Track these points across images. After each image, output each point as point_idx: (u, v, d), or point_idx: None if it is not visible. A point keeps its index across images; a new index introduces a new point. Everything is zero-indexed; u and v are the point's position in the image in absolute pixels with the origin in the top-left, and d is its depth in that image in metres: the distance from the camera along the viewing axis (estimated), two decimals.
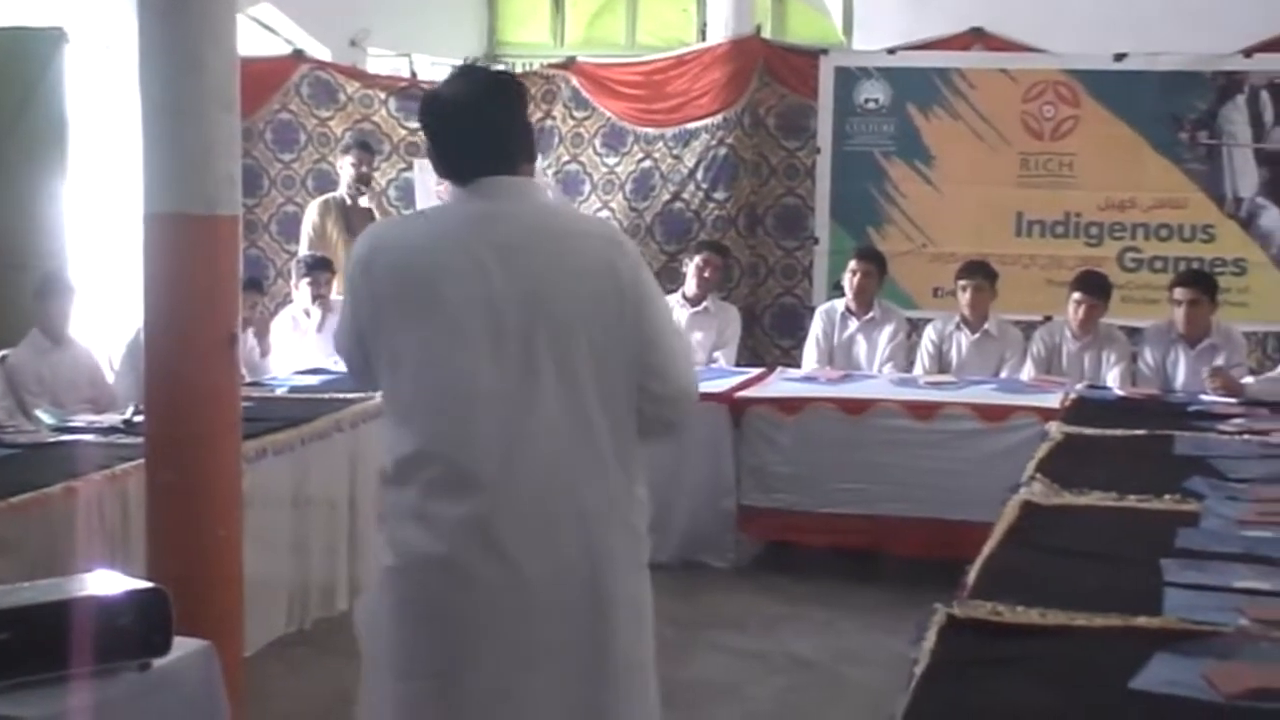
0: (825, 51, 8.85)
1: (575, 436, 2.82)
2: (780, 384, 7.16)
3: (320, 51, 9.70)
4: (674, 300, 7.76)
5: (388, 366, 2.86)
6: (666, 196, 8.73)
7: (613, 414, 2.85)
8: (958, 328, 7.57)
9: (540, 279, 2.82)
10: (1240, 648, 3.14)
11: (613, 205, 8.78)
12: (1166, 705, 2.83)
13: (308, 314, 7.72)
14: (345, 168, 8.55)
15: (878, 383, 7.16)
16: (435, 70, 10.71)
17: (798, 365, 7.79)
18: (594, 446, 2.83)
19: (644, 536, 2.95)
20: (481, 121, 2.89)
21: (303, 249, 8.33)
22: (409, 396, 2.84)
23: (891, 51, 8.69)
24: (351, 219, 8.44)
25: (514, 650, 2.80)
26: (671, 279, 7.96)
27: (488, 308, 2.78)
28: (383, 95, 9.22)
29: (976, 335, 7.52)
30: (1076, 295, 7.31)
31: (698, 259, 7.89)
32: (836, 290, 8.03)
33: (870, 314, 7.67)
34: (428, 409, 2.81)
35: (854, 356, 7.68)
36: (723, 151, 8.63)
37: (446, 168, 2.93)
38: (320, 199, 8.58)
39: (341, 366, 7.17)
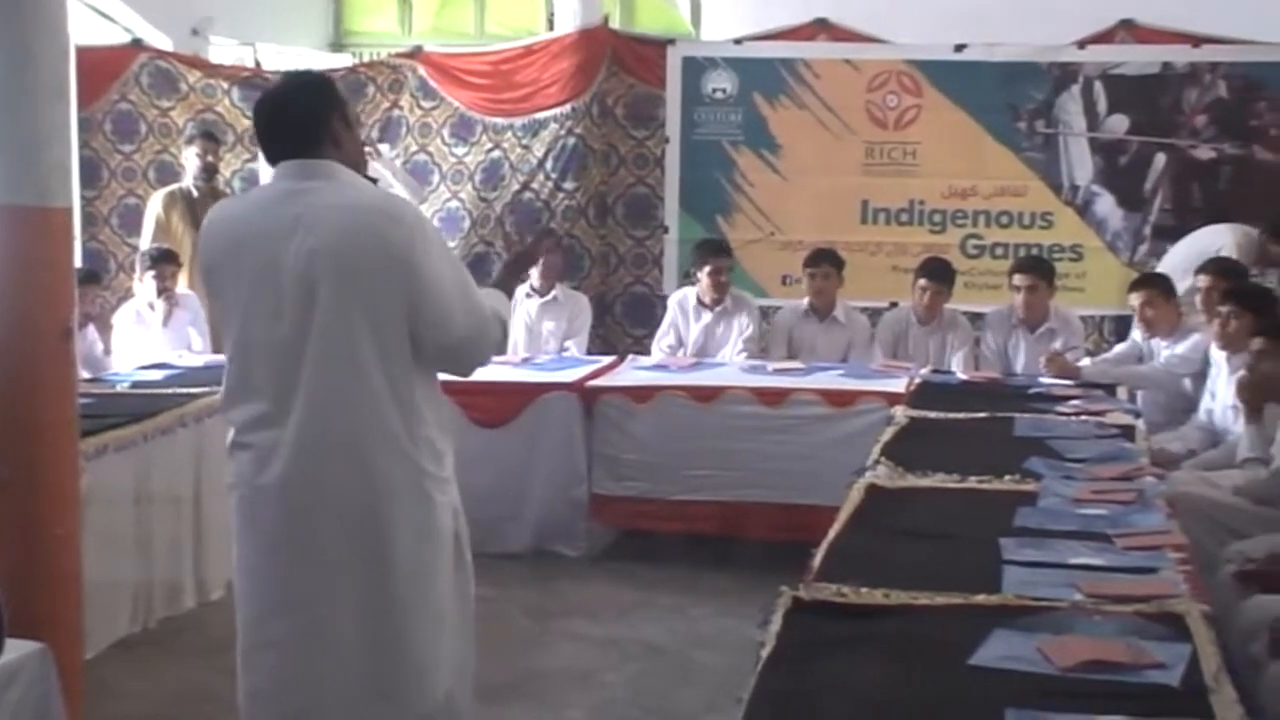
0: (672, 41, 8.88)
1: (352, 380, 3.25)
2: (631, 372, 7.18)
3: (161, 40, 9.50)
4: (522, 292, 7.77)
5: (222, 322, 3.41)
6: (516, 186, 8.70)
7: (389, 362, 3.27)
8: (806, 315, 7.66)
9: (325, 243, 3.23)
10: (1074, 621, 3.23)
11: (462, 195, 8.73)
12: (1003, 679, 2.91)
13: (152, 307, 7.56)
14: (190, 158, 8.39)
15: (728, 370, 7.21)
16: (281, 59, 10.55)
17: (649, 354, 7.80)
18: (370, 389, 3.25)
19: (429, 472, 3.34)
20: (283, 114, 3.39)
21: (145, 241, 8.15)
22: (229, 347, 3.37)
23: (738, 42, 8.75)
24: (198, 210, 8.28)
25: (304, 562, 3.28)
26: None
27: (280, 270, 3.23)
28: (226, 85, 9.07)
29: (824, 322, 7.61)
30: (921, 282, 7.44)
31: None
32: (688, 279, 8.06)
33: (723, 305, 7.71)
34: (236, 357, 3.34)
35: (707, 346, 7.71)
36: (572, 141, 8.63)
37: (263, 153, 3.45)
38: (165, 190, 8.41)
39: (183, 361, 7.11)
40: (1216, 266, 6.79)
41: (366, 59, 10.51)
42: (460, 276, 3.39)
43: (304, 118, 3.36)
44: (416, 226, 3.31)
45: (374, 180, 3.60)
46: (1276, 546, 4.59)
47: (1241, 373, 5.55)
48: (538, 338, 7.73)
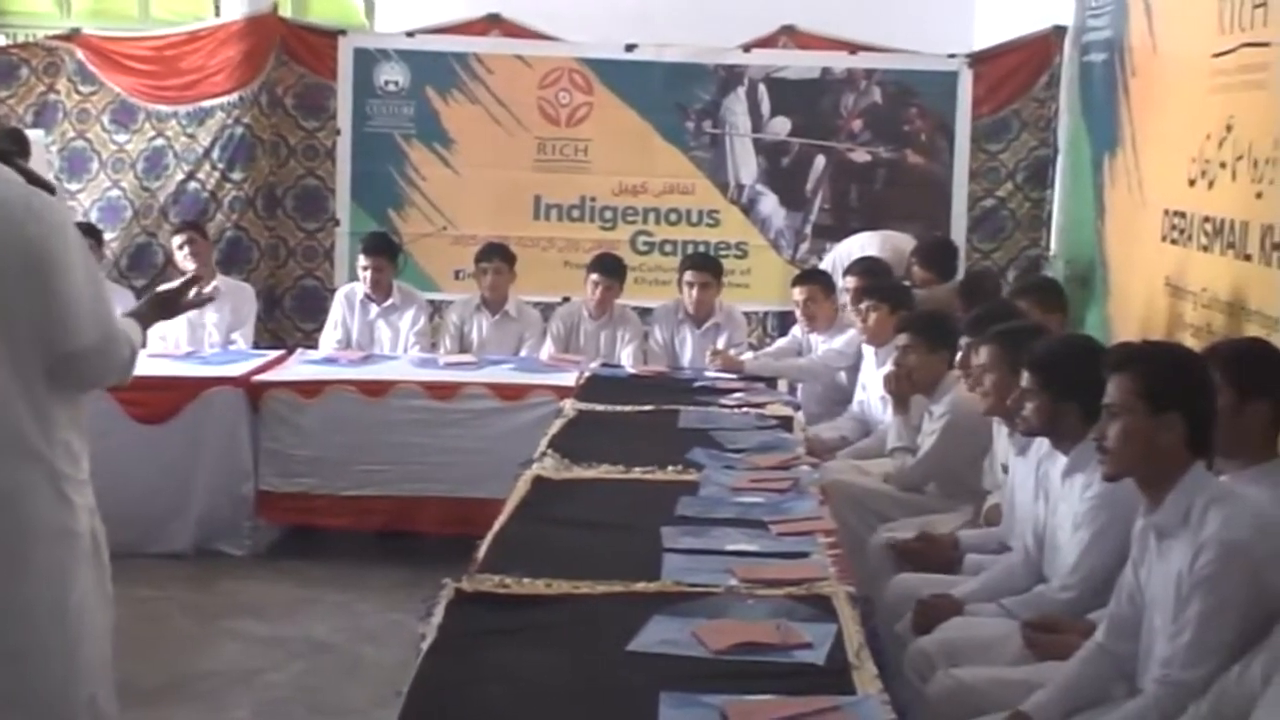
0: (344, 32, 8.76)
1: None
2: (300, 366, 7.06)
3: None
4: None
5: None
6: (181, 176, 8.43)
7: (20, 362, 3.05)
8: (478, 309, 7.67)
9: None
10: (729, 606, 3.36)
11: (123, 184, 8.41)
12: (659, 663, 3.00)
13: None
14: None
15: (399, 364, 7.16)
16: None
17: (319, 348, 7.68)
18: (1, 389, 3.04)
19: (66, 474, 3.14)
20: None
21: None
22: None
23: (410, 34, 8.69)
24: None
25: None
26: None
27: None
28: None
29: (497, 316, 7.64)
30: (593, 277, 7.54)
31: (176, 241, 7.68)
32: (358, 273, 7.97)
33: (390, 299, 7.65)
34: None
35: (377, 341, 7.64)
36: (239, 131, 8.41)
37: None
38: None
39: None
40: (859, 267, 7.11)
41: (20, 40, 10.01)
42: (96, 286, 3.22)
43: None
44: (58, 226, 3.13)
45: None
46: (925, 527, 4.87)
47: (888, 366, 5.83)
48: (200, 330, 7.49)
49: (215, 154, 8.42)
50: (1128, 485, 3.36)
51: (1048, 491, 4.13)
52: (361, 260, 7.64)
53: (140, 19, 9.90)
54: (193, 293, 3.68)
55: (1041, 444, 4.26)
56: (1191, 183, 5.43)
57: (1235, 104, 5.00)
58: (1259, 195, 4.73)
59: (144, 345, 3.42)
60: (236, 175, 8.44)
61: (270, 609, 5.94)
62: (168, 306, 3.69)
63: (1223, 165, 5.09)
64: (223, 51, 8.44)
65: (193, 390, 6.55)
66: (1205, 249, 5.24)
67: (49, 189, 3.33)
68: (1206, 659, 3.01)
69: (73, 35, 8.58)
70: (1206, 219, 5.24)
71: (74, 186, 8.39)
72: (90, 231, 7.12)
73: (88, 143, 8.48)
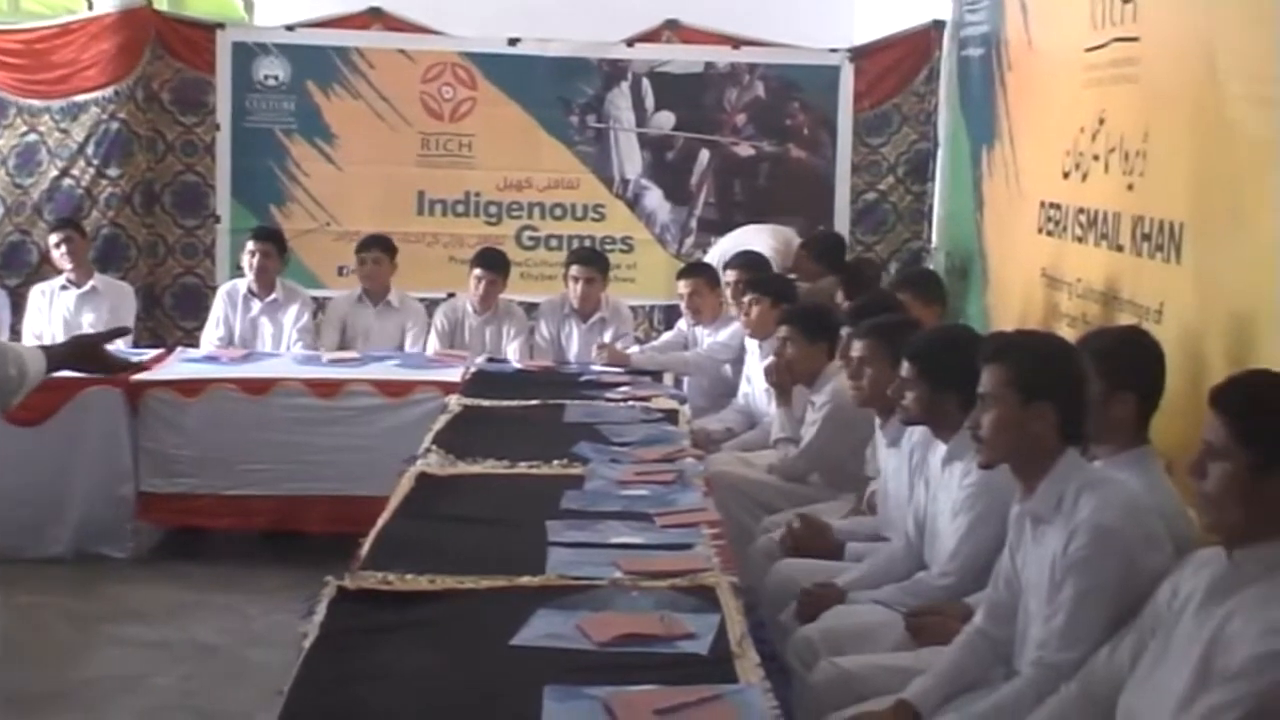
0: (222, 26, 8.64)
1: None
2: (180, 365, 6.96)
3: None
4: (58, 284, 7.54)
5: None
6: (55, 172, 8.27)
7: None
8: (359, 301, 7.60)
9: None
10: (613, 598, 3.37)
11: None
12: (543, 657, 3.01)
13: None
14: None
15: (281, 361, 7.08)
16: None
17: (200, 346, 7.58)
18: None
19: None
20: None
21: None
22: None
23: (290, 28, 8.60)
24: None
25: None
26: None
27: None
28: None
29: (378, 307, 7.57)
30: (477, 272, 7.51)
31: (53, 240, 7.56)
32: (239, 270, 7.87)
33: (273, 295, 7.56)
34: None
35: (259, 338, 7.54)
36: (115, 126, 8.26)
37: None
38: None
39: None
40: (739, 260, 7.15)
41: None
42: None
43: None
44: None
45: None
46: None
47: (770, 358, 5.88)
48: (77, 331, 7.35)
49: (90, 150, 8.28)
50: (1004, 472, 3.42)
51: (928, 479, 4.19)
52: (249, 245, 7.52)
53: (10, 11, 9.69)
54: (117, 344, 3.58)
55: (913, 434, 4.33)
56: (1066, 175, 5.53)
57: (1107, 98, 5.10)
58: (1130, 187, 4.83)
59: (40, 378, 3.32)
60: (112, 171, 8.30)
61: (154, 613, 5.86)
62: (88, 356, 3.53)
63: (1095, 158, 5.19)
64: (96, 45, 8.30)
65: (70, 390, 6.40)
66: (1080, 240, 5.34)
67: None
68: (1080, 641, 3.07)
69: None
70: (1080, 210, 5.34)
71: None
72: None
73: None
